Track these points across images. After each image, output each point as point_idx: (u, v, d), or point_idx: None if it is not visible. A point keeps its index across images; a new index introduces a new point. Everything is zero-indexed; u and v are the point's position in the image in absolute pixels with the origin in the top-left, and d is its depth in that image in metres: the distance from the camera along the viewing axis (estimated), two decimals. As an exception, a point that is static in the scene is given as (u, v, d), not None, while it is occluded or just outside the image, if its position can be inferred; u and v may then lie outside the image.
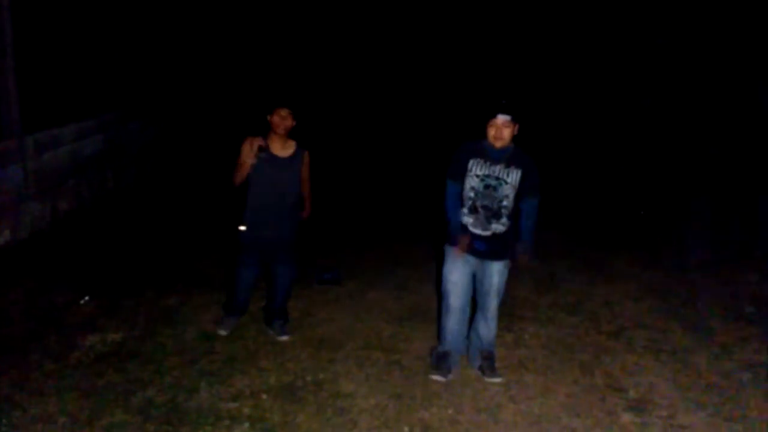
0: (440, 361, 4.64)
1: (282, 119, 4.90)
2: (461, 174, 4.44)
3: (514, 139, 4.42)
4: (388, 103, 16.37)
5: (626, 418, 4.09)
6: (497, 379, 4.53)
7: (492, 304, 4.56)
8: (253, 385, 4.52)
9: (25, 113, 7.74)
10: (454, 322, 4.62)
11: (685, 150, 12.57)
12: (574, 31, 16.23)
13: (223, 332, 5.24)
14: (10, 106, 7.57)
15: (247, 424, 4.07)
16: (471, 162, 4.41)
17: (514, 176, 4.35)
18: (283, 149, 5.02)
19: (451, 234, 4.54)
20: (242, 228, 5.06)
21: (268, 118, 4.96)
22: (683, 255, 7.02)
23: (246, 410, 4.22)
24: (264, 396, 4.38)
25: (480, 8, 17.60)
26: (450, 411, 4.19)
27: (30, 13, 8.10)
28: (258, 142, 4.89)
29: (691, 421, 4.04)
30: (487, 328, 4.62)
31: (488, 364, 4.61)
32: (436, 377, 4.56)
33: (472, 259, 4.51)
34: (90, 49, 9.64)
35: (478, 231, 4.44)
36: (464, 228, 4.47)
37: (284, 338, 5.21)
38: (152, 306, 5.84)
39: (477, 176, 4.39)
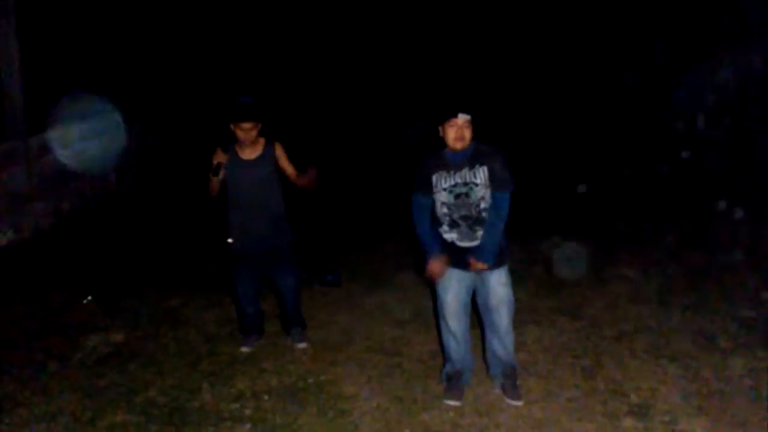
0: (451, 383, 4.38)
1: (246, 132, 4.75)
2: (428, 188, 4.17)
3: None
4: (390, 107, 16.35)
5: (628, 422, 4.09)
6: (518, 403, 4.24)
7: (503, 320, 4.23)
8: (255, 386, 4.53)
9: (29, 115, 7.78)
10: (456, 342, 4.33)
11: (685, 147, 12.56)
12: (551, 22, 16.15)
13: (246, 349, 5.05)
14: (15, 107, 7.60)
15: (248, 425, 4.08)
16: (434, 177, 4.14)
17: (481, 174, 4.06)
18: (251, 152, 4.88)
19: (425, 251, 4.25)
20: (230, 241, 4.90)
21: (232, 128, 4.79)
22: (685, 259, 7.00)
23: (248, 411, 4.23)
24: (266, 397, 4.38)
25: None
26: (451, 414, 4.19)
27: (35, 16, 8.12)
28: (219, 159, 4.78)
29: (693, 427, 4.03)
30: (503, 347, 4.28)
31: (510, 383, 4.31)
32: (450, 402, 4.27)
33: (467, 276, 4.22)
34: (94, 52, 9.66)
35: (466, 244, 4.13)
36: (451, 245, 4.16)
37: (302, 345, 5.10)
38: (155, 307, 5.86)
39: (444, 190, 4.11)
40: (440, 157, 4.16)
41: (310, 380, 4.61)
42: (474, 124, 4.09)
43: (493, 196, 4.08)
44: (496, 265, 4.15)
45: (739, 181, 10.16)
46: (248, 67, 15.66)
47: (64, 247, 7.46)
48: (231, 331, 5.34)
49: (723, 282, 6.33)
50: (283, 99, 15.12)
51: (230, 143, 4.87)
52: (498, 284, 4.18)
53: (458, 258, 4.17)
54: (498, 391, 4.37)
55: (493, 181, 4.06)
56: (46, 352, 5.00)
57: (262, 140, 4.92)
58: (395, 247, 7.61)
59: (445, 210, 4.15)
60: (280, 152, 4.96)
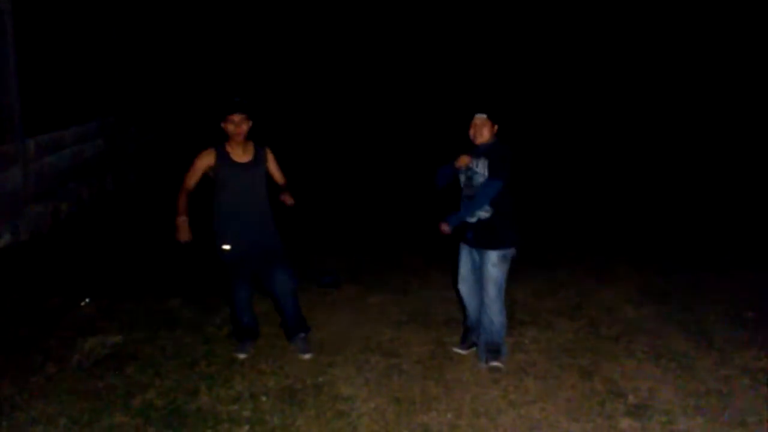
0: (464, 335, 5.07)
1: (236, 126, 4.70)
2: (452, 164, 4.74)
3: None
4: (390, 110, 16.37)
5: (626, 423, 4.09)
6: (497, 363, 4.70)
7: (490, 297, 4.68)
8: (253, 387, 4.52)
9: (26, 116, 7.77)
10: (465, 301, 4.98)
11: (685, 146, 12.59)
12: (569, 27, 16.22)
13: (242, 356, 4.97)
14: (12, 109, 7.59)
15: (246, 427, 4.07)
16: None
17: (482, 165, 4.59)
18: (244, 154, 4.83)
19: (461, 229, 4.76)
20: (226, 247, 4.82)
21: (222, 125, 4.74)
22: (683, 259, 7.01)
23: (245, 413, 4.21)
24: (263, 399, 4.38)
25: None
26: (449, 415, 4.19)
27: (32, 18, 8.12)
28: (182, 236, 4.74)
29: (691, 427, 4.03)
30: (489, 321, 4.73)
31: (492, 355, 4.75)
32: (456, 350, 4.99)
33: (472, 251, 4.80)
34: (91, 55, 9.66)
35: (469, 220, 4.69)
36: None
37: (307, 356, 4.96)
38: (152, 309, 5.84)
39: (462, 171, 4.71)
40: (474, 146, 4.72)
41: (308, 381, 4.60)
42: (498, 123, 4.67)
43: (484, 182, 4.60)
44: (491, 246, 4.65)
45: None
46: (246, 70, 15.66)
47: (61, 249, 7.45)
48: (228, 333, 5.33)
49: (719, 283, 6.33)
50: (287, 102, 15.14)
51: (220, 144, 4.82)
52: (489, 264, 4.66)
53: (463, 232, 4.77)
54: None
55: (489, 172, 4.58)
56: (43, 355, 4.98)
57: (251, 143, 4.89)
58: (393, 249, 7.62)
59: (462, 187, 4.76)
60: (270, 157, 4.98)
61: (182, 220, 4.73)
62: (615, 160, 12.16)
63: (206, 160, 4.79)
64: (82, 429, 4.07)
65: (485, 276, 4.68)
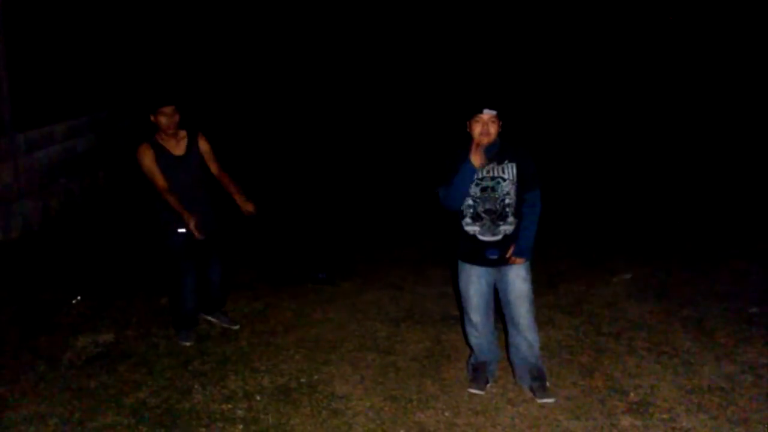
0: (476, 373, 4.46)
1: (168, 118, 4.77)
2: (452, 178, 4.16)
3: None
4: (385, 105, 16.32)
5: (627, 420, 4.03)
6: (549, 400, 4.22)
7: (523, 315, 4.23)
8: (247, 386, 4.47)
9: (16, 111, 7.68)
10: (477, 334, 4.40)
11: (685, 140, 12.57)
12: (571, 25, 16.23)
13: (188, 344, 5.06)
14: (2, 103, 7.50)
15: (240, 426, 4.02)
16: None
17: (510, 171, 4.12)
18: (177, 146, 4.91)
19: (463, 243, 4.27)
20: (182, 231, 4.87)
21: (152, 119, 4.80)
22: (685, 255, 6.96)
23: (239, 412, 4.16)
24: (258, 397, 4.32)
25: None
26: (447, 414, 4.13)
27: (22, 11, 8.03)
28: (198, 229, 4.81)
29: (693, 424, 3.98)
30: (527, 343, 4.28)
31: (539, 384, 4.27)
32: (473, 391, 4.36)
33: (486, 272, 4.26)
34: (81, 48, 9.58)
35: (487, 238, 4.16)
36: (473, 239, 4.19)
37: (236, 327, 5.30)
38: (145, 306, 5.80)
39: (480, 177, 4.14)
40: (469, 149, 4.12)
41: (303, 380, 4.54)
42: (502, 120, 4.13)
43: (525, 197, 4.14)
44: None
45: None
46: (239, 67, 15.60)
47: (52, 246, 7.38)
48: (222, 331, 5.28)
49: (722, 278, 6.28)
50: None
51: (151, 138, 4.88)
52: (516, 278, 4.20)
53: (478, 253, 4.21)
54: (528, 393, 4.31)
55: (524, 180, 4.13)
56: (34, 353, 4.94)
57: (184, 132, 4.96)
58: (389, 245, 7.56)
59: (470, 202, 4.17)
60: (205, 147, 5.04)
61: (188, 216, 4.78)
62: (615, 153, 12.11)
63: (146, 156, 4.82)
64: (74, 428, 4.02)
65: (514, 293, 4.21)
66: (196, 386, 4.46)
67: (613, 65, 16.25)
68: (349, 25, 17.59)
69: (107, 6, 10.35)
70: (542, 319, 5.46)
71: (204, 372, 4.66)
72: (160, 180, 4.81)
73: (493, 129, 4.08)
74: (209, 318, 5.37)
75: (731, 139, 12.54)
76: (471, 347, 4.55)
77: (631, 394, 4.31)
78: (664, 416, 4.07)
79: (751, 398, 4.24)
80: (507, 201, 4.13)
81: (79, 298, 5.90)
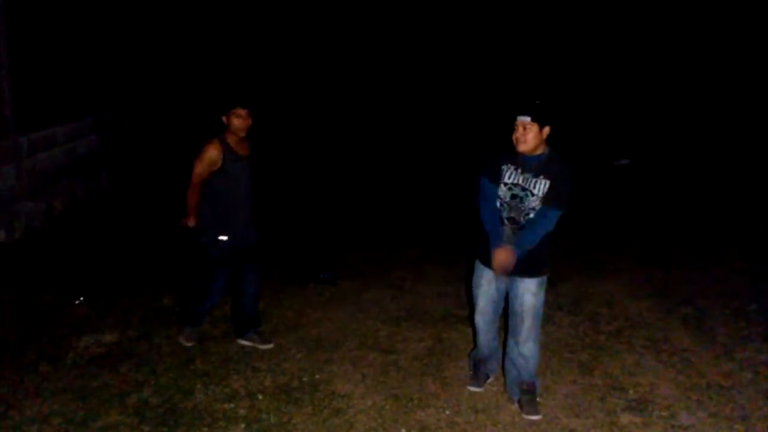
0: (476, 369, 4.46)
1: (242, 120, 4.67)
2: (496, 175, 4.04)
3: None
4: (388, 106, 16.32)
5: (626, 418, 4.05)
6: (535, 417, 4.08)
7: (524, 328, 4.11)
8: (249, 385, 4.48)
9: (19, 113, 7.70)
10: (482, 331, 4.35)
11: (689, 138, 12.56)
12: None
13: (189, 344, 5.03)
14: (4, 105, 7.52)
15: (242, 425, 4.03)
16: (504, 167, 4.03)
17: (541, 187, 3.94)
18: (243, 149, 4.84)
19: (483, 244, 4.15)
20: (223, 238, 4.78)
21: (224, 119, 4.69)
22: (684, 253, 6.97)
23: (242, 411, 4.18)
24: (260, 397, 4.34)
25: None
26: (447, 412, 4.15)
27: (25, 13, 8.05)
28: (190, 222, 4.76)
29: (692, 422, 4.00)
30: (522, 356, 4.15)
31: (527, 399, 4.15)
32: (472, 389, 4.38)
33: (499, 278, 4.15)
34: (84, 50, 9.60)
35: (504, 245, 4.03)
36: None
37: (269, 346, 5.02)
38: (147, 307, 5.80)
39: (506, 184, 4.02)
40: (516, 153, 4.00)
41: (305, 379, 4.56)
42: (550, 126, 3.97)
43: (543, 209, 3.97)
44: (528, 273, 4.07)
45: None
46: (245, 67, 15.60)
47: (55, 247, 7.39)
48: (224, 331, 5.28)
49: (721, 275, 6.30)
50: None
51: (220, 137, 4.74)
52: (526, 292, 4.08)
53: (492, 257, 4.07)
54: (515, 406, 4.23)
55: (550, 198, 3.93)
56: (37, 354, 4.94)
57: (245, 138, 4.90)
58: (390, 244, 7.57)
59: (497, 204, 4.06)
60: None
61: (192, 221, 4.78)
62: (615, 153, 12.11)
63: (215, 153, 4.67)
64: (77, 428, 4.03)
65: (520, 306, 4.10)
66: (198, 386, 4.47)
67: (613, 65, 16.22)
68: (350, 25, 17.57)
69: (108, 7, 10.37)
70: (542, 318, 5.48)
71: (206, 371, 4.67)
72: (203, 173, 4.66)
73: (529, 137, 3.90)
74: (243, 342, 5.06)
75: (731, 138, 12.53)
76: (475, 341, 4.53)
77: (631, 392, 4.33)
78: (664, 413, 4.09)
79: (750, 395, 4.26)
80: (531, 216, 4.00)
81: (81, 298, 5.91)
